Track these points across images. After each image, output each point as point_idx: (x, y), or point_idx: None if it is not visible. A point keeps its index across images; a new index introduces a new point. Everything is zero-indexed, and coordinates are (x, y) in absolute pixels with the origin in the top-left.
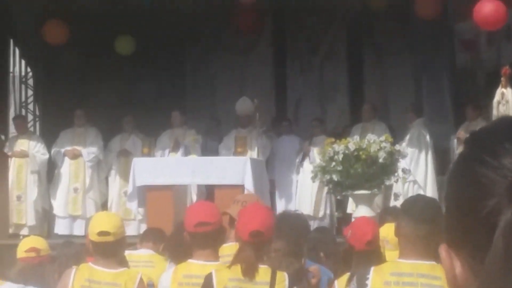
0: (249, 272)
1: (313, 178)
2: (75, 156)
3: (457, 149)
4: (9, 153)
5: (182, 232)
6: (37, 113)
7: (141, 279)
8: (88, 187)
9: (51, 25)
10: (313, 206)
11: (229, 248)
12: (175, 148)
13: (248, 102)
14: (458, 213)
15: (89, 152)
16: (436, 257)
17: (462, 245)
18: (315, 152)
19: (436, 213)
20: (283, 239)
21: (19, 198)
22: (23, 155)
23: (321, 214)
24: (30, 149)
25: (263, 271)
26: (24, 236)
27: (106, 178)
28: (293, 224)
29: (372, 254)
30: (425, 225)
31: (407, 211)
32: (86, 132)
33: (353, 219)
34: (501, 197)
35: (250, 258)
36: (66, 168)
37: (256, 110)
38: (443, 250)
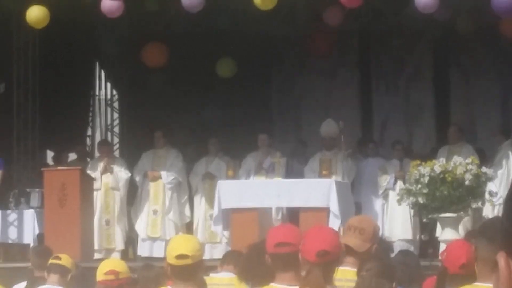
0: None
1: (399, 201)
2: (155, 178)
3: None
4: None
5: (258, 254)
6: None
7: None
8: (167, 209)
9: (151, 48)
10: (405, 231)
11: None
12: (262, 163)
13: (333, 124)
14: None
15: (169, 174)
16: None
17: None
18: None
19: None
20: (376, 260)
21: (107, 222)
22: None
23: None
24: (115, 170)
25: None
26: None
27: (188, 200)
28: (384, 247)
29: (466, 279)
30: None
31: (484, 233)
32: (167, 153)
33: (440, 243)
34: None
35: (319, 280)
36: (146, 189)
37: (341, 132)
38: (501, 257)
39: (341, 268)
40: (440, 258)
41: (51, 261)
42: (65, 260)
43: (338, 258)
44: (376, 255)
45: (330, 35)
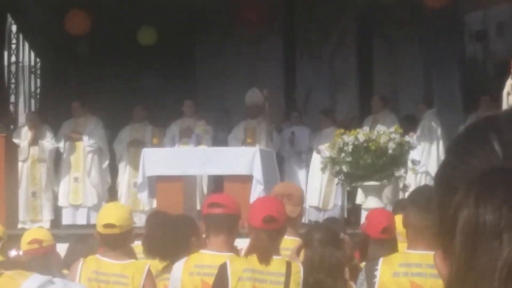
0: (264, 258)
1: (323, 169)
2: (77, 138)
3: None
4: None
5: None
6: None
7: (149, 270)
8: (88, 176)
9: (74, 15)
10: (322, 197)
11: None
12: (187, 134)
13: (257, 93)
14: (439, 217)
15: (89, 139)
16: None
17: (448, 248)
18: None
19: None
20: (322, 229)
21: (33, 194)
22: (35, 144)
23: (330, 205)
24: (42, 139)
25: (279, 262)
26: None
27: (109, 166)
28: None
29: (388, 243)
30: (432, 215)
31: (414, 201)
32: (86, 120)
33: (362, 210)
34: (460, 195)
35: (265, 244)
36: (67, 158)
37: (266, 100)
38: (436, 256)
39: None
40: (360, 228)
41: None
42: None
43: (283, 226)
44: (318, 225)
45: (256, 2)
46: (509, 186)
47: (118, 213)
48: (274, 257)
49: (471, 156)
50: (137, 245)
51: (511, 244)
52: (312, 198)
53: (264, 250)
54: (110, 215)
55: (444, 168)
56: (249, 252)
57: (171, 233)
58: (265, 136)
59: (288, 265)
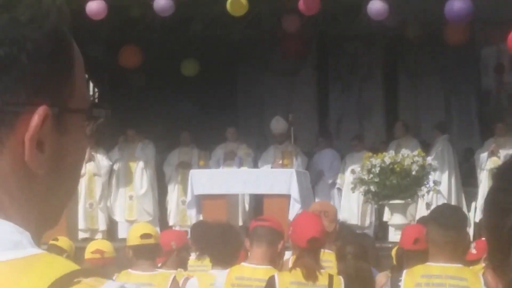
0: (311, 276)
1: (353, 189)
2: (132, 160)
3: (487, 161)
4: None
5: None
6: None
7: (174, 279)
8: (141, 195)
9: (126, 51)
10: (360, 216)
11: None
12: (231, 157)
13: (281, 121)
14: (492, 238)
15: (141, 163)
16: (462, 260)
17: (501, 265)
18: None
19: (461, 220)
20: (353, 244)
21: (91, 205)
22: (90, 160)
23: (367, 223)
24: (98, 158)
25: (321, 275)
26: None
27: (160, 187)
28: (353, 231)
29: (421, 254)
30: (452, 232)
31: (435, 218)
32: (139, 145)
33: (389, 227)
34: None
35: (311, 264)
36: (122, 177)
37: (291, 125)
38: (488, 274)
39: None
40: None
41: (50, 242)
42: (62, 241)
43: (325, 242)
44: (349, 239)
45: (292, 39)
46: None
47: (151, 227)
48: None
49: None
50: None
51: None
52: (351, 217)
53: (309, 267)
54: (145, 227)
55: (495, 193)
56: (294, 266)
57: (216, 236)
58: (292, 158)
59: (330, 278)
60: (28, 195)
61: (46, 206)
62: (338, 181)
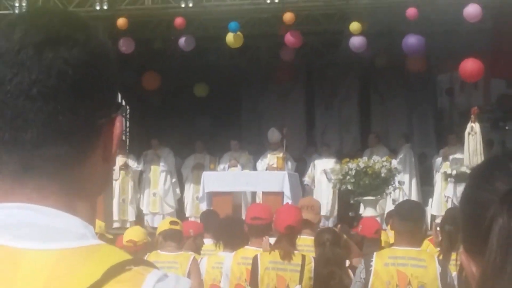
0: (287, 257)
1: (334, 187)
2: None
3: (441, 165)
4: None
5: (231, 225)
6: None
7: (194, 259)
8: (163, 192)
9: (148, 76)
10: (329, 207)
11: (302, 240)
12: (234, 164)
13: (276, 132)
14: (468, 226)
15: (163, 165)
16: (420, 245)
17: (474, 250)
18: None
19: (420, 213)
20: (330, 231)
21: (124, 200)
22: (125, 167)
23: (334, 214)
24: (130, 163)
25: (295, 256)
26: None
27: (178, 184)
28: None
29: (377, 241)
30: (411, 223)
31: (399, 212)
32: (161, 151)
33: (363, 218)
34: (495, 209)
35: (287, 247)
36: (147, 177)
37: (284, 136)
38: (462, 255)
39: (302, 236)
40: (356, 231)
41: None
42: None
43: (300, 230)
44: (326, 228)
45: (285, 66)
46: None
47: (177, 219)
48: (295, 252)
49: (494, 180)
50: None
51: None
52: (321, 208)
53: (286, 249)
54: (173, 218)
55: (471, 189)
56: (273, 248)
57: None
58: (284, 163)
59: (303, 258)
60: (92, 193)
61: (95, 200)
62: (306, 178)
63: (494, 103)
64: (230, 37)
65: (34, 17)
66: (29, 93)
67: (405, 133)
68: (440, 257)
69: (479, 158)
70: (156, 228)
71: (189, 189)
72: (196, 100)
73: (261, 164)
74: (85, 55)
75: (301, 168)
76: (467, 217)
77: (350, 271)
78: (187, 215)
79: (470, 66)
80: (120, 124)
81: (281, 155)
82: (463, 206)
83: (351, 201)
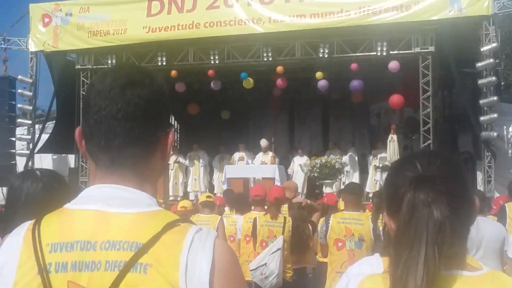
0: (274, 218)
1: (305, 175)
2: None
3: (372, 161)
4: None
5: (242, 198)
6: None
7: (221, 219)
8: (201, 178)
9: (190, 106)
10: (302, 188)
11: (284, 208)
12: (241, 159)
13: (265, 141)
14: (389, 199)
15: (201, 161)
16: (360, 210)
17: (392, 214)
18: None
19: (359, 190)
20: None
21: (176, 183)
22: (177, 162)
23: (305, 191)
24: (179, 160)
25: (280, 217)
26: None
27: (210, 174)
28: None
29: (335, 208)
30: (354, 195)
31: (346, 189)
32: (199, 152)
33: (324, 194)
34: (405, 188)
35: (275, 211)
36: (190, 168)
37: (272, 143)
38: (385, 217)
39: (284, 205)
40: (322, 201)
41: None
42: (184, 203)
43: (283, 201)
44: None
45: (274, 99)
46: (426, 182)
47: (211, 194)
48: (279, 215)
49: (405, 169)
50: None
51: (437, 210)
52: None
53: (274, 213)
54: (208, 194)
55: (390, 176)
56: (266, 212)
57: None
58: (274, 160)
59: (285, 219)
60: (154, 178)
61: (156, 182)
62: (289, 170)
63: (405, 122)
64: (247, 82)
65: (119, 69)
66: (116, 117)
67: (351, 141)
68: (372, 218)
69: (396, 157)
70: (197, 200)
71: (217, 176)
72: (221, 121)
73: (256, 160)
74: (150, 93)
75: (285, 163)
76: (388, 194)
77: (309, 225)
78: (215, 192)
79: (396, 99)
80: (171, 136)
81: (271, 154)
82: (385, 187)
83: (317, 183)
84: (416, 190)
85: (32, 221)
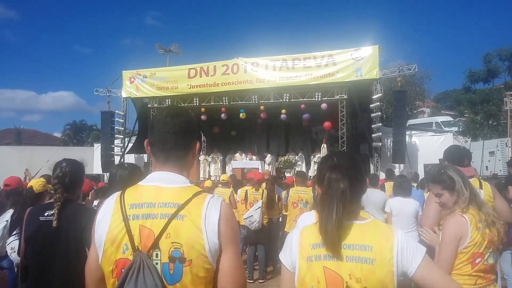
0: (257, 190)
1: (275, 167)
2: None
3: (312, 159)
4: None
5: (239, 180)
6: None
7: (232, 192)
8: (219, 168)
9: (215, 129)
10: (272, 173)
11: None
12: (241, 158)
13: (251, 157)
14: (318, 177)
15: (219, 157)
16: (306, 186)
17: (319, 184)
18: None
19: (305, 175)
20: (269, 180)
21: (204, 171)
22: (204, 159)
23: (274, 174)
24: (206, 158)
25: (260, 190)
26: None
27: (225, 165)
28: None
29: (292, 185)
30: (302, 178)
31: (298, 174)
32: (219, 154)
33: (286, 177)
34: (325, 171)
35: (257, 186)
36: (212, 164)
37: (256, 154)
38: (316, 186)
39: (263, 184)
40: (286, 181)
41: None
42: (208, 183)
43: (262, 181)
44: (269, 179)
45: (260, 125)
46: (337, 168)
47: (227, 176)
48: (260, 188)
49: (327, 161)
50: (218, 188)
51: (342, 183)
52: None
53: (256, 187)
54: (225, 175)
55: (320, 164)
56: (253, 186)
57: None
58: (257, 158)
59: (263, 191)
60: (189, 168)
61: (189, 170)
62: (266, 164)
63: (331, 137)
64: (243, 115)
65: (171, 107)
66: (169, 132)
67: (301, 148)
68: (312, 190)
69: None
70: (217, 181)
71: (228, 167)
72: (231, 137)
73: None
74: (187, 120)
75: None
76: (318, 174)
77: (276, 194)
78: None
79: (326, 124)
80: (199, 145)
81: (255, 157)
82: (317, 170)
83: (282, 171)
84: (332, 172)
85: (120, 191)
